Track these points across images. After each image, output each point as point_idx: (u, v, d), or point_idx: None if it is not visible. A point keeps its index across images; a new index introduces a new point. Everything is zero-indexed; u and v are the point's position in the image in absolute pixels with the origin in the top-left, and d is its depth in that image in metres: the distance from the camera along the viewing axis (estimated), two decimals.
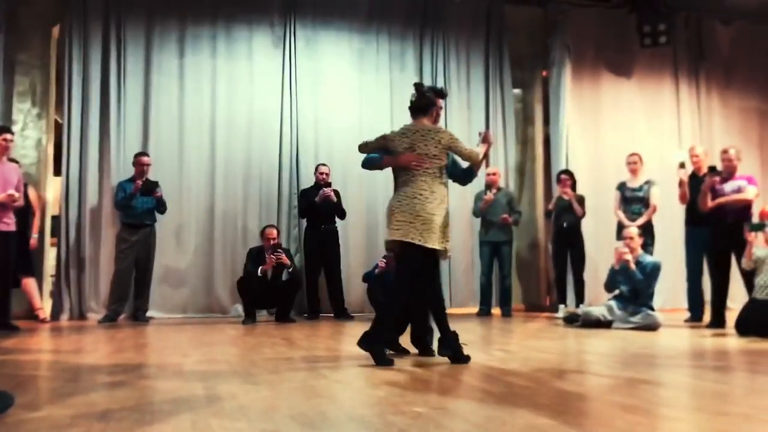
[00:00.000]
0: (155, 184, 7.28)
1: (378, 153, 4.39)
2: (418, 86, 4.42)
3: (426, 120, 4.31)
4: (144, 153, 7.57)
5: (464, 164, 4.47)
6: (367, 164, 4.53)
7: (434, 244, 4.07)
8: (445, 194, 4.20)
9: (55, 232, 7.90)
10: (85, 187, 7.67)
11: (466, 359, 4.06)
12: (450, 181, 4.45)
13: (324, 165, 7.85)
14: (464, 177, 4.55)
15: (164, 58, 8.09)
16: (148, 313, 7.45)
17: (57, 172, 8.07)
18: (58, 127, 8.26)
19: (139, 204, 7.27)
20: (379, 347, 4.02)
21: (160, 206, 7.38)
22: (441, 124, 9.05)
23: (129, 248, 7.29)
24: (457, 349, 4.10)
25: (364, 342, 4.08)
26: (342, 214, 7.80)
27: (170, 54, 8.12)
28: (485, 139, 4.35)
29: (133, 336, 5.84)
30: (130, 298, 7.41)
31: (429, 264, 4.17)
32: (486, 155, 4.39)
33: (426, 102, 4.33)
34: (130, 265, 7.31)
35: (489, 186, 8.06)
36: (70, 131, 7.69)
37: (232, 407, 2.74)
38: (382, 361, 3.93)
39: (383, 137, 4.38)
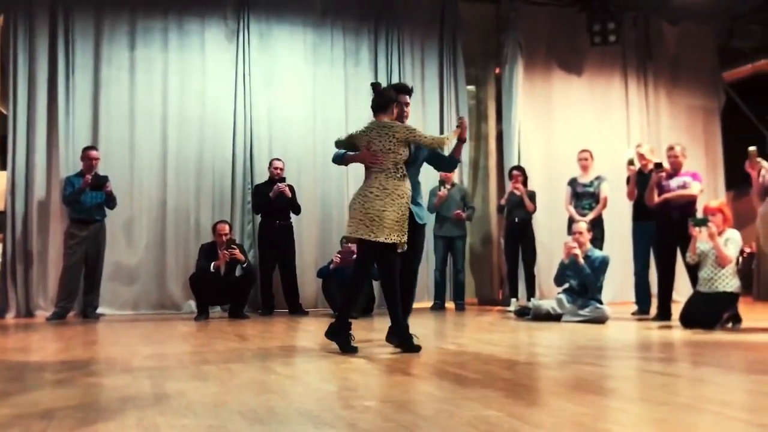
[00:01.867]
0: (105, 179, 7.14)
1: (345, 150, 4.52)
2: (375, 85, 4.51)
3: (386, 117, 4.39)
4: (92, 147, 7.42)
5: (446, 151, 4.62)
6: (336, 160, 4.62)
7: (386, 237, 4.17)
8: (403, 189, 4.28)
9: (0, 228, 7.69)
10: (32, 181, 7.49)
11: (417, 349, 4.22)
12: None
13: (278, 160, 7.81)
14: (448, 164, 4.83)
15: (114, 50, 7.94)
16: (99, 310, 7.32)
17: (2, 165, 7.85)
18: (3, 120, 8.04)
19: (88, 199, 7.12)
20: (342, 337, 4.28)
21: (110, 201, 7.24)
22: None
23: (78, 244, 7.14)
24: (407, 338, 4.27)
25: (329, 333, 4.38)
26: (297, 210, 7.77)
27: (121, 46, 7.97)
28: (460, 125, 4.48)
29: (82, 333, 5.73)
30: (80, 294, 7.27)
31: (388, 257, 4.30)
32: (463, 140, 4.50)
33: (383, 100, 4.41)
34: (80, 261, 7.16)
35: (443, 182, 8.12)
36: (15, 124, 7.50)
37: (180, 404, 2.71)
38: (346, 349, 4.23)
39: (350, 135, 4.50)
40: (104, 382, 3.29)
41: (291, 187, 7.65)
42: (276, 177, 7.62)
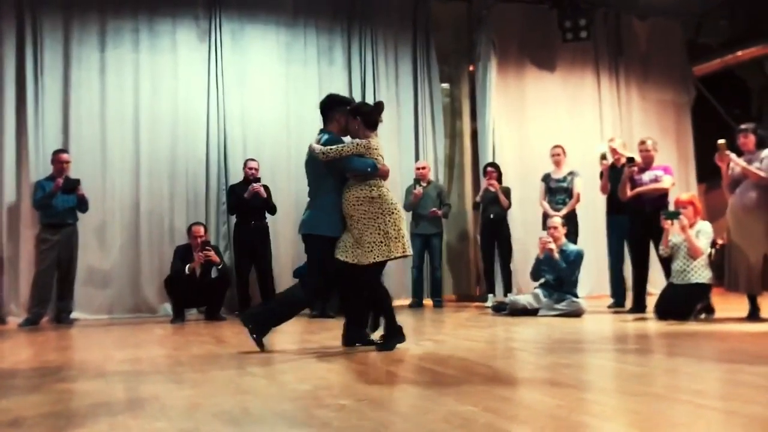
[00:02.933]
0: (77, 182, 7.04)
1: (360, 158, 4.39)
2: (382, 106, 4.65)
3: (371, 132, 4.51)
4: (63, 150, 7.32)
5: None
6: (360, 167, 4.35)
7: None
8: None
9: None
10: (1, 186, 7.37)
11: (372, 343, 4.41)
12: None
13: (253, 160, 7.75)
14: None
15: (84, 51, 7.82)
16: (73, 315, 7.21)
17: None
18: None
19: (59, 203, 7.02)
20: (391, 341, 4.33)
21: (82, 205, 7.14)
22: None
23: (50, 249, 7.03)
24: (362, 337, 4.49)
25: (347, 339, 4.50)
26: (272, 210, 7.73)
27: (90, 48, 7.86)
28: None
29: (55, 339, 5.65)
30: (53, 299, 7.16)
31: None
32: None
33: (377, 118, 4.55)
34: (52, 265, 7.06)
35: (418, 180, 8.12)
36: None
37: (153, 407, 2.68)
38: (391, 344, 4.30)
39: (364, 146, 4.37)
40: (76, 387, 3.25)
41: (266, 188, 7.60)
42: (251, 177, 7.57)
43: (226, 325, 6.53)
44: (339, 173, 4.40)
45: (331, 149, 4.31)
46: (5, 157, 7.39)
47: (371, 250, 4.22)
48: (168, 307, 7.46)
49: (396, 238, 4.25)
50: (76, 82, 7.74)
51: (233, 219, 7.82)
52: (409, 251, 4.43)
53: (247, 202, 7.47)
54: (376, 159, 4.33)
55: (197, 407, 2.66)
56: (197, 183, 8.06)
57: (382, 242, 4.23)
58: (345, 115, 4.52)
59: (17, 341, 5.57)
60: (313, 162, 4.45)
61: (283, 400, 2.78)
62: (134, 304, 7.73)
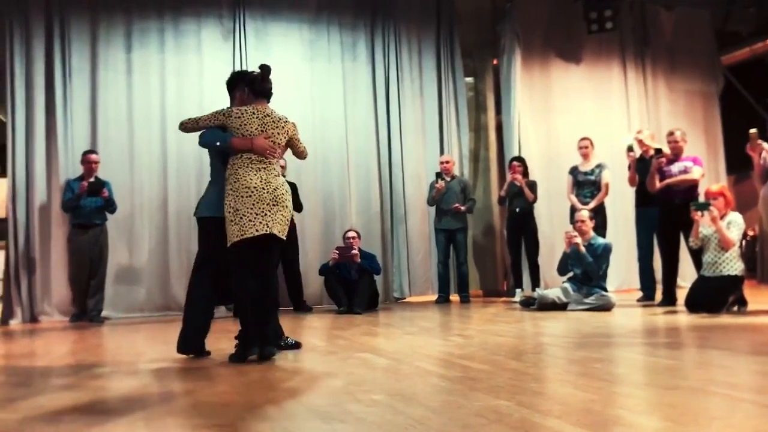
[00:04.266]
0: (102, 185, 7.13)
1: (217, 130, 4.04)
2: (266, 68, 4.18)
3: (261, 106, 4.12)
4: (92, 151, 7.41)
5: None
6: (208, 141, 4.02)
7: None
8: None
9: (2, 235, 7.68)
10: (32, 188, 7.47)
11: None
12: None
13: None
14: None
15: (111, 53, 7.91)
16: (103, 314, 7.31)
17: (2, 173, 7.84)
18: (1, 127, 8.02)
19: (87, 204, 7.12)
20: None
21: (109, 206, 7.23)
22: (394, 110, 9.06)
23: (79, 248, 7.14)
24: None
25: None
26: (299, 207, 7.75)
27: (117, 49, 7.94)
28: None
29: (88, 337, 5.73)
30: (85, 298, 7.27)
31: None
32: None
33: (270, 87, 4.19)
34: (83, 265, 7.17)
35: (440, 174, 8.08)
36: (14, 131, 7.47)
37: (188, 404, 2.71)
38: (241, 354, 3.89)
39: (224, 113, 4.01)
40: (111, 384, 3.29)
41: (294, 185, 7.63)
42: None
43: None
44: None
45: (189, 119, 4.07)
46: (36, 159, 7.50)
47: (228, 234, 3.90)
48: None
49: (232, 221, 3.85)
50: (103, 84, 7.83)
51: None
52: (255, 232, 3.86)
53: None
54: (236, 129, 3.93)
55: (231, 404, 2.68)
56: None
57: (233, 222, 3.86)
58: (244, 89, 4.21)
59: (50, 340, 5.66)
60: None
61: (315, 396, 2.79)
62: (164, 303, 7.80)
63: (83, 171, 7.25)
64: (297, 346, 4.34)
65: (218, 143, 3.95)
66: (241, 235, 3.83)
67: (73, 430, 2.35)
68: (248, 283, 3.93)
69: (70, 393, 3.05)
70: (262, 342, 3.87)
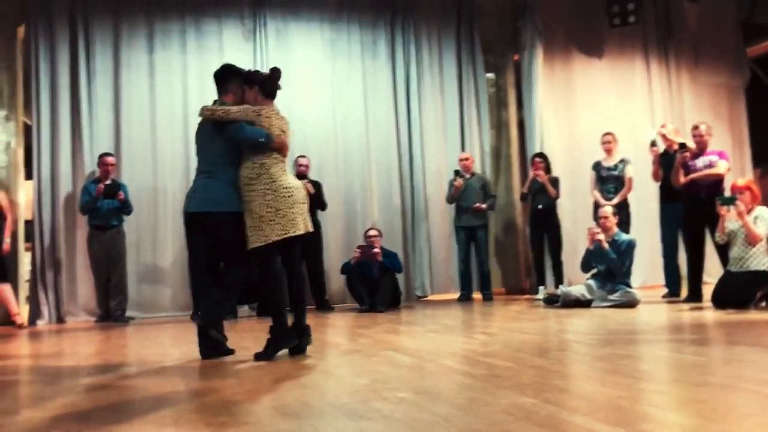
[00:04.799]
0: (118, 187, 7.20)
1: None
2: (277, 71, 4.19)
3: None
4: (108, 153, 7.47)
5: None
6: (252, 135, 3.95)
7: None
8: None
9: (29, 237, 7.79)
10: (57, 190, 7.57)
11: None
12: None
13: (304, 157, 7.78)
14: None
15: (133, 54, 7.98)
16: (128, 314, 7.38)
17: (28, 175, 7.94)
18: (27, 130, 8.13)
19: (104, 205, 7.20)
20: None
21: (125, 208, 7.30)
22: (414, 108, 9.03)
23: (99, 250, 7.24)
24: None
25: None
26: (323, 206, 7.76)
27: (139, 50, 8.01)
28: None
29: (114, 337, 5.79)
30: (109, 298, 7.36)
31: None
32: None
33: (276, 88, 4.18)
34: (102, 266, 7.26)
35: (459, 171, 8.04)
36: (40, 133, 7.58)
37: (215, 402, 2.73)
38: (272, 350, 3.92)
39: (254, 111, 4.01)
40: (138, 383, 3.32)
41: (318, 184, 7.64)
42: (301, 174, 7.57)
43: None
44: (232, 143, 4.03)
45: (219, 108, 4.06)
46: (61, 161, 7.60)
47: (250, 235, 3.94)
48: None
49: (272, 219, 3.88)
50: (126, 85, 7.90)
51: None
52: (298, 231, 3.94)
53: None
54: (266, 129, 3.94)
55: (258, 401, 2.70)
56: None
57: (272, 221, 3.89)
58: (241, 86, 4.18)
59: (77, 340, 5.73)
60: (203, 130, 4.20)
61: (341, 394, 2.80)
62: (188, 302, 7.84)
63: (99, 173, 7.34)
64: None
65: (262, 139, 3.93)
66: (284, 233, 3.90)
67: (103, 428, 2.37)
68: (283, 279, 4.06)
69: (99, 392, 3.09)
70: (300, 334, 4.00)
